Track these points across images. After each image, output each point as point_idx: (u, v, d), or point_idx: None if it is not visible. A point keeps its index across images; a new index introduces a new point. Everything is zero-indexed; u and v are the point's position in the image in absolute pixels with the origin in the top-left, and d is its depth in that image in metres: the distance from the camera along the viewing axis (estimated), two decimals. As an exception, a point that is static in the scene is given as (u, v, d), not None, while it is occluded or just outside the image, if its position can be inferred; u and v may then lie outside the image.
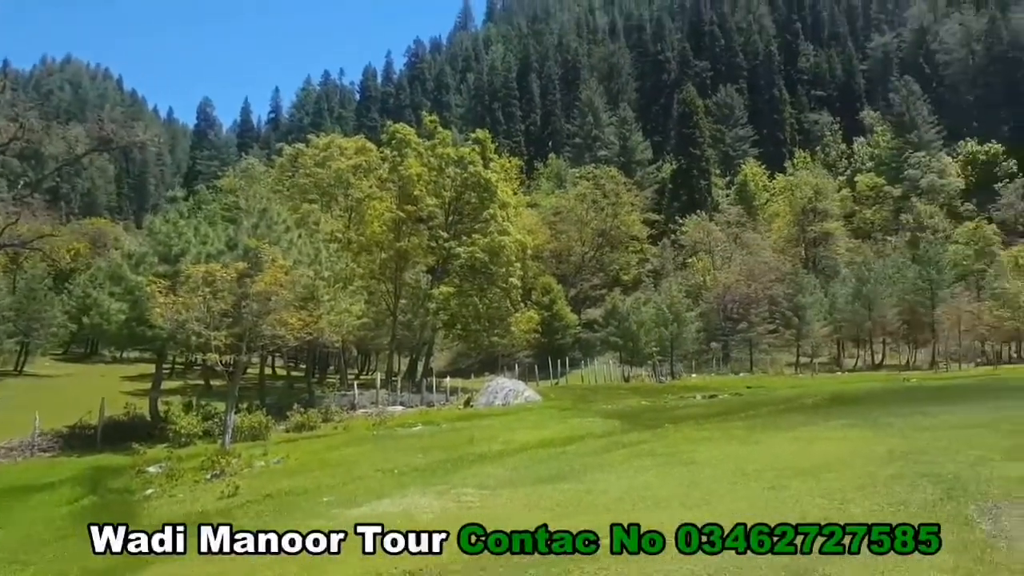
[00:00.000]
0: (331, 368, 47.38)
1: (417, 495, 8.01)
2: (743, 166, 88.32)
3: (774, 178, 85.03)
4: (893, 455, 8.18)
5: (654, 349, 49.92)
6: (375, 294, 38.06)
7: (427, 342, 42.99)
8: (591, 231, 66.09)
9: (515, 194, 52.51)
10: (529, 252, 46.76)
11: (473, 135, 47.07)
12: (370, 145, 42.07)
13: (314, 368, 41.11)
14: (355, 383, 31.03)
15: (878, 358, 58.02)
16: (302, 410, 21.97)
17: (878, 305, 54.49)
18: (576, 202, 66.31)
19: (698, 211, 72.12)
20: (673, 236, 71.23)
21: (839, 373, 48.81)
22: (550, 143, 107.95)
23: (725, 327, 57.96)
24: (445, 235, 38.25)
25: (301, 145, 43.34)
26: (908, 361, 56.03)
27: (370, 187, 38.32)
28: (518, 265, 41.04)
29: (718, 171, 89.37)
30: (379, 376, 33.15)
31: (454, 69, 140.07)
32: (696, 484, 7.55)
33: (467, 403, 28.06)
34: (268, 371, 39.65)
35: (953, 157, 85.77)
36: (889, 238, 73.86)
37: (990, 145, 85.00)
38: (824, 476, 7.23)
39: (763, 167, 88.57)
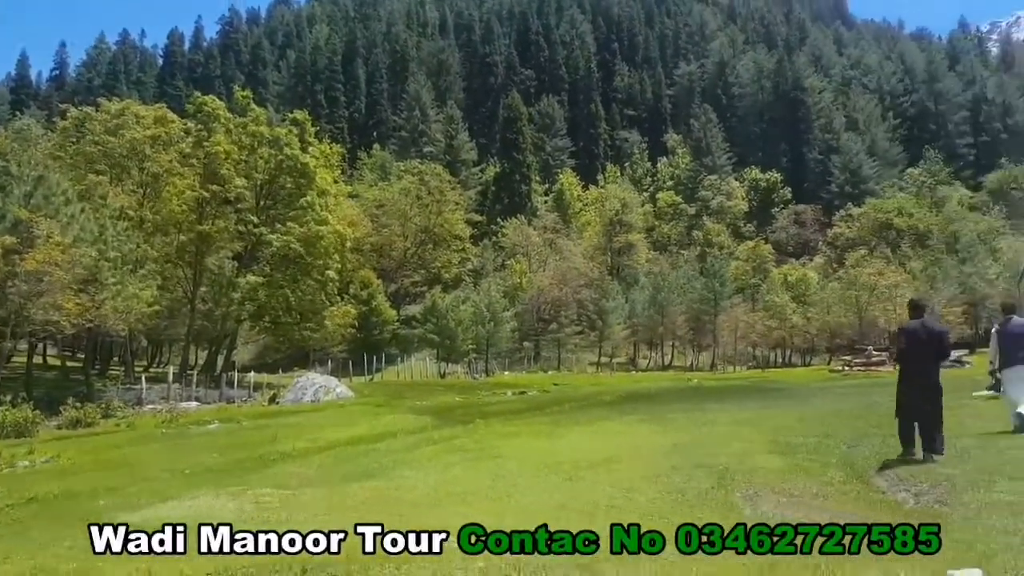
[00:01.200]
0: (115, 359, 42.94)
1: (209, 497, 7.45)
2: (561, 175, 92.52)
3: (588, 189, 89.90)
4: (675, 447, 8.95)
5: (471, 347, 50.75)
6: (171, 280, 35.15)
7: (229, 334, 40.40)
8: (414, 227, 65.80)
9: (336, 183, 50.84)
10: (348, 244, 45.55)
11: (291, 116, 44.96)
12: (172, 116, 38.49)
13: (95, 358, 37.09)
14: (143, 376, 28.42)
15: (668, 359, 63.38)
16: (78, 404, 19.63)
17: (670, 312, 59.61)
18: (400, 196, 65.68)
19: (518, 215, 74.49)
20: (494, 238, 72.91)
21: (634, 372, 52.61)
22: (375, 133, 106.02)
23: (538, 327, 60.39)
24: (255, 220, 36.18)
25: (90, 109, 38.63)
26: (692, 363, 61.63)
27: (170, 161, 35.06)
28: (336, 257, 39.81)
29: (538, 178, 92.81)
30: (172, 369, 30.51)
31: (273, 44, 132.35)
32: (501, 477, 7.74)
33: (272, 399, 26.77)
34: (39, 360, 35.19)
35: (740, 182, 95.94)
36: (683, 252, 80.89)
37: (771, 174, 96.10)
38: (615, 467, 7.74)
39: (578, 178, 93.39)
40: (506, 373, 48.98)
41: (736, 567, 4.34)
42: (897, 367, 8.65)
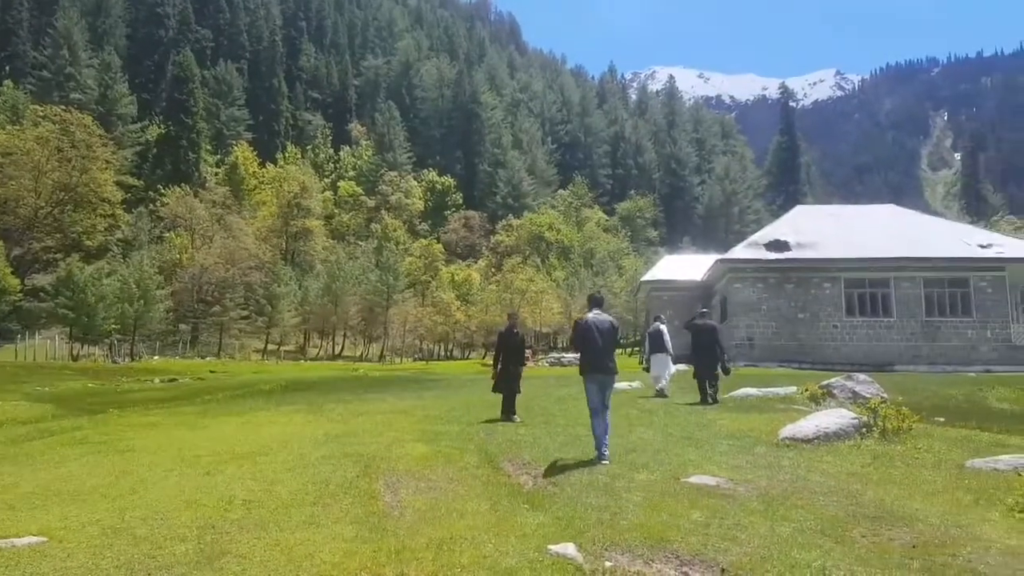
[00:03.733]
0: None
1: None
2: (236, 148, 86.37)
3: (265, 167, 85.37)
4: (328, 437, 8.88)
5: (114, 327, 44.80)
6: None
7: None
8: (51, 183, 55.50)
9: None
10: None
11: None
12: None
13: None
14: None
15: (339, 349, 63.19)
16: None
17: (344, 302, 59.50)
18: (36, 145, 54.82)
19: (183, 184, 67.69)
20: (152, 206, 65.24)
21: (303, 361, 51.41)
22: (7, 67, 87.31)
23: (198, 309, 55.56)
24: None
25: None
26: (363, 353, 62.36)
27: None
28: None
29: (209, 147, 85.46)
30: None
31: None
32: (128, 473, 6.91)
33: None
34: None
35: (418, 182, 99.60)
36: (360, 243, 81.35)
37: (447, 178, 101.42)
38: (260, 460, 7.41)
39: (255, 153, 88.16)
40: (156, 358, 44.20)
41: (361, 546, 4.45)
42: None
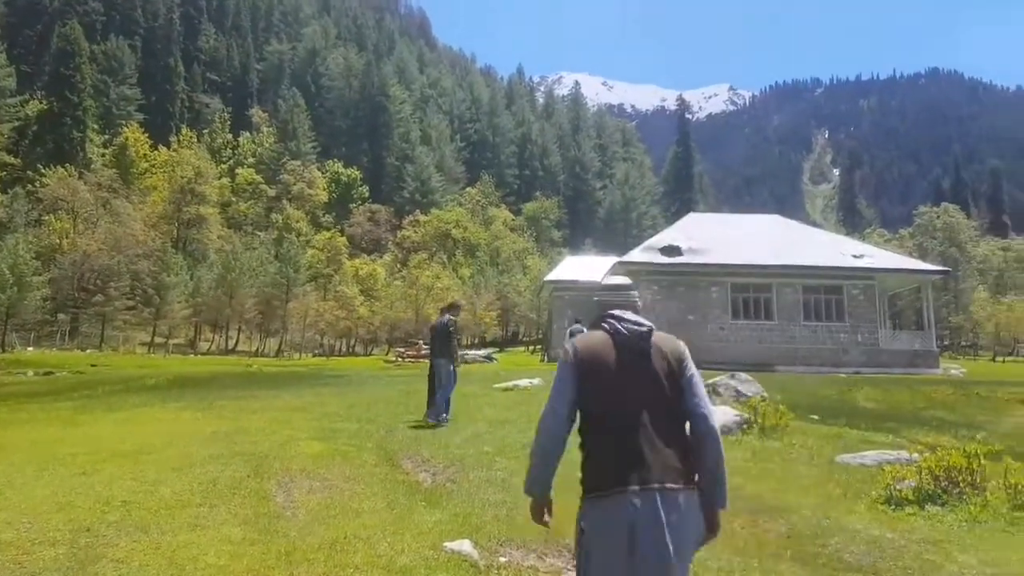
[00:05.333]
0: None
1: None
2: (126, 128, 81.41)
3: (157, 150, 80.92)
4: (217, 435, 8.54)
5: (-20, 315, 41.33)
6: None
7: None
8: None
9: None
10: None
11: None
12: None
13: None
14: None
15: (233, 343, 60.70)
16: None
17: (239, 294, 57.21)
18: None
19: (66, 164, 63.24)
20: (30, 186, 60.68)
21: (192, 356, 49.09)
22: None
23: (78, 298, 52.11)
24: None
25: None
26: (259, 348, 60.19)
27: None
28: None
29: (96, 126, 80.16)
30: None
31: None
32: (-10, 474, 6.41)
33: None
34: None
35: (322, 172, 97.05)
36: (259, 233, 78.49)
37: (352, 170, 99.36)
38: (143, 459, 7.04)
39: (147, 135, 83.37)
40: (30, 349, 41.12)
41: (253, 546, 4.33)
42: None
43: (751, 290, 30.28)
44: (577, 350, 2.61)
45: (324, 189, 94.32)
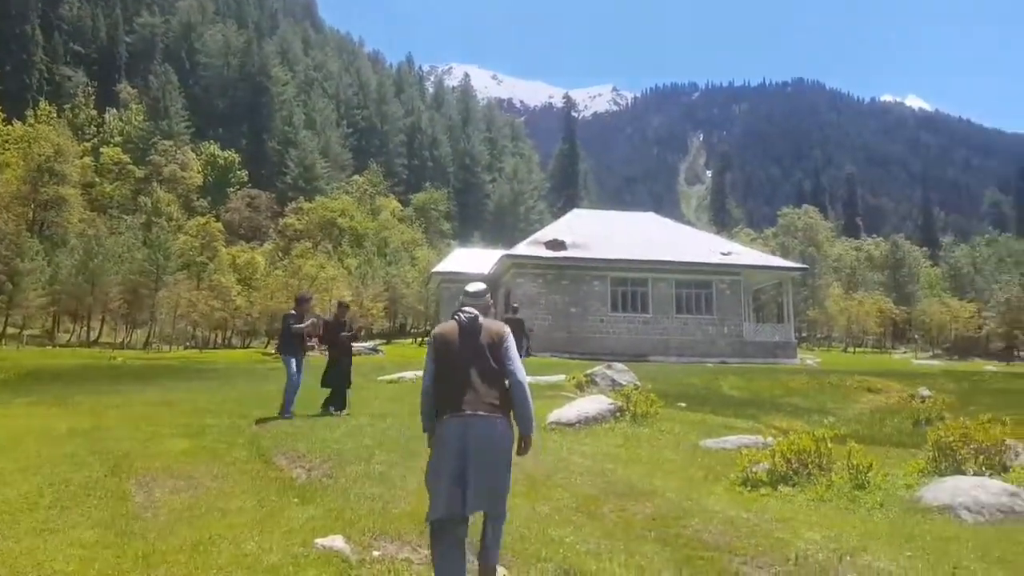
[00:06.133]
0: None
1: None
2: (-29, 99, 73.55)
3: (11, 124, 73.71)
4: (73, 433, 7.96)
5: None
6: None
7: None
8: None
9: None
10: None
11: None
12: None
13: None
14: None
15: (96, 335, 56.51)
16: None
17: (103, 282, 53.30)
18: None
19: None
20: None
21: (49, 347, 45.26)
22: None
23: (-95, 286, 46.83)
24: None
25: None
26: (124, 340, 56.33)
27: None
28: None
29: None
30: None
31: None
32: None
33: None
34: None
35: (197, 154, 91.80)
36: (126, 217, 73.31)
37: (230, 153, 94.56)
38: (-14, 460, 6.47)
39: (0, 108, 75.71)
40: None
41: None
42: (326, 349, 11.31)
43: (629, 284, 31.52)
44: (435, 334, 4.06)
45: (199, 172, 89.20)
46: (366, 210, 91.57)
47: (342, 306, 11.88)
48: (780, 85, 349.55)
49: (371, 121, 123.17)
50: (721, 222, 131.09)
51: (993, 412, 8.65)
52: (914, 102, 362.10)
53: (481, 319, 4.00)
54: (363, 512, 5.23)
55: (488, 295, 4.18)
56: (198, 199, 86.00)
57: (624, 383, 12.89)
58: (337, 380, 10.73)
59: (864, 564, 4.58)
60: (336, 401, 10.65)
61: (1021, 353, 64.83)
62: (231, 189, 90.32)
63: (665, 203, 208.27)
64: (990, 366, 38.90)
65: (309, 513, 5.15)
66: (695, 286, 31.90)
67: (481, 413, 3.76)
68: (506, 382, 3.90)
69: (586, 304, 30.97)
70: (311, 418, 9.81)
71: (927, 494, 6.30)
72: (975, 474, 6.89)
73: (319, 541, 4.42)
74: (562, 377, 15.07)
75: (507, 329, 4.07)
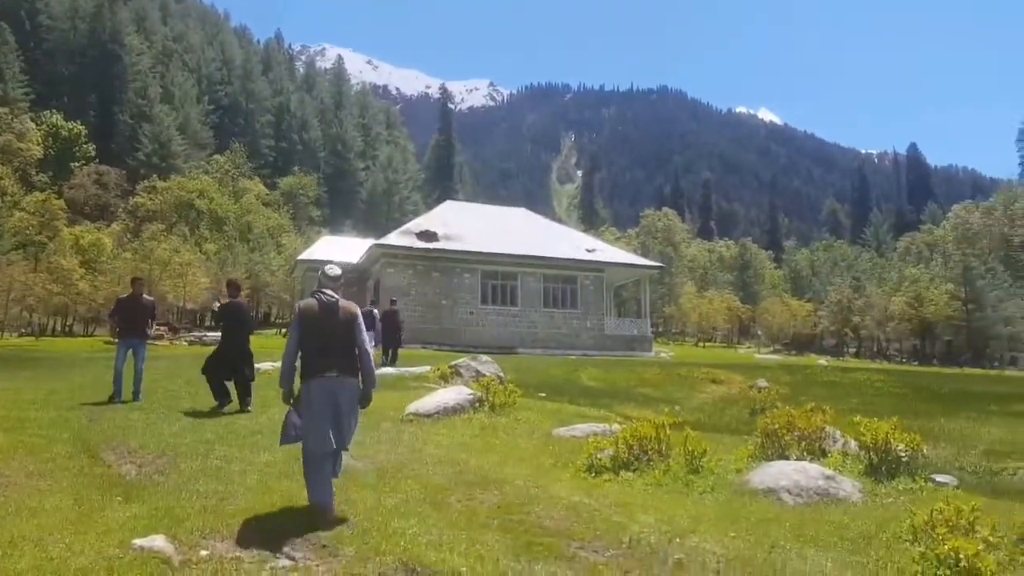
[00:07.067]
0: None
1: None
2: None
3: None
4: None
5: None
6: None
7: None
8: None
9: None
10: None
11: None
12: None
13: None
14: None
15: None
16: None
17: (-86, 261, 47.30)
18: None
19: None
20: None
21: None
22: None
23: None
24: None
25: None
26: (-58, 327, 50.32)
27: None
28: None
29: None
30: None
31: None
32: None
33: None
34: None
35: (37, 124, 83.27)
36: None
37: (75, 124, 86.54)
38: None
39: None
40: None
41: None
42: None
43: (499, 277, 31.91)
44: (301, 309, 5.11)
45: (38, 143, 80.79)
46: (228, 192, 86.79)
47: (232, 285, 10.89)
48: (646, 92, 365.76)
49: (236, 99, 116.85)
50: (589, 221, 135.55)
51: (821, 403, 9.44)
52: (766, 115, 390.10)
53: (340, 300, 5.12)
54: (194, 510, 4.93)
55: (342, 279, 5.21)
56: (37, 173, 77.99)
57: (488, 374, 13.01)
58: (236, 367, 9.88)
59: (692, 545, 4.85)
60: (242, 394, 9.84)
61: (850, 349, 71.90)
62: (76, 164, 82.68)
63: (539, 199, 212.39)
64: (823, 360, 42.77)
65: (132, 512, 4.80)
66: (562, 281, 32.80)
67: (344, 376, 5.01)
68: (356, 351, 5.07)
69: (456, 296, 31.05)
70: (110, 408, 9.17)
71: (754, 478, 6.78)
72: (798, 459, 7.48)
73: (137, 542, 4.11)
74: (428, 368, 15.01)
75: (357, 308, 5.23)
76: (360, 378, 5.10)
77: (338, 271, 5.21)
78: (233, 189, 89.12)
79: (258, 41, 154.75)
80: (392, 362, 18.21)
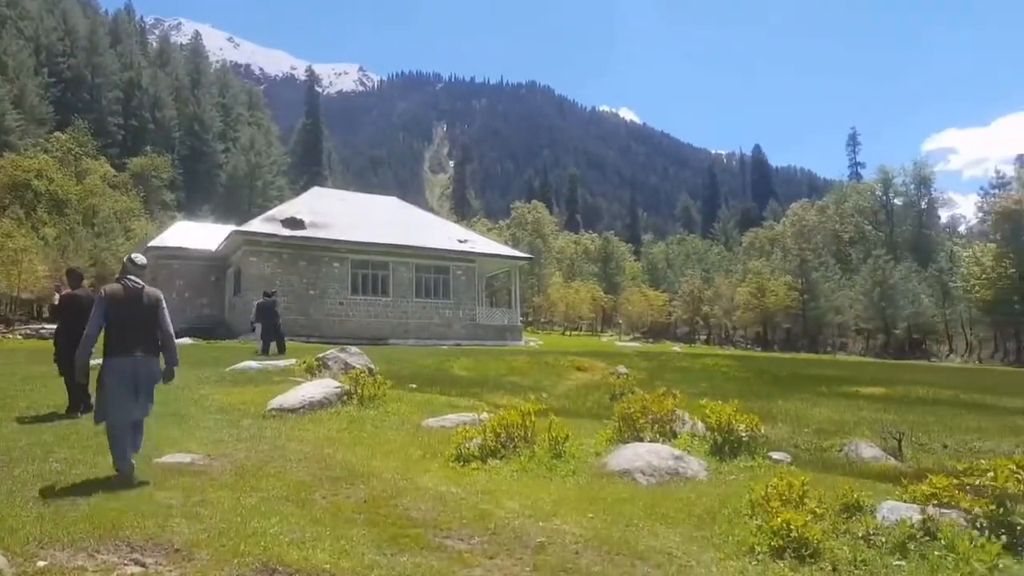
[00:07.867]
0: None
1: None
2: None
3: None
4: None
5: None
6: None
7: None
8: None
9: None
10: None
11: None
12: None
13: None
14: None
15: None
16: None
17: None
18: None
19: None
20: None
21: None
22: None
23: None
24: None
25: None
26: None
27: None
28: None
29: None
30: None
31: None
32: None
33: None
34: None
35: None
36: None
37: None
38: None
39: None
40: None
41: None
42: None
43: (370, 267, 31.38)
44: (108, 294, 5.61)
45: None
46: (70, 172, 79.36)
47: (74, 275, 9.43)
48: (515, 86, 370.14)
49: (80, 72, 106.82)
50: (461, 212, 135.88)
51: (674, 387, 10.05)
52: (626, 114, 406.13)
53: (145, 287, 5.74)
54: (30, 518, 4.55)
55: (147, 268, 6.00)
56: None
57: (357, 366, 12.75)
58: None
59: (554, 528, 5.06)
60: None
61: (701, 336, 76.75)
62: None
63: (411, 188, 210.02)
64: (676, 347, 45.41)
65: (-46, 526, 4.36)
66: (434, 271, 32.74)
67: (146, 356, 5.64)
68: (158, 333, 5.71)
69: (325, 286, 30.21)
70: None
71: (611, 460, 7.14)
72: (651, 441, 7.95)
73: None
74: (294, 361, 14.54)
75: (161, 294, 5.87)
76: (162, 358, 5.77)
77: (144, 260, 5.98)
78: (76, 169, 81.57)
79: (106, 12, 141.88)
80: (280, 352, 18.07)
